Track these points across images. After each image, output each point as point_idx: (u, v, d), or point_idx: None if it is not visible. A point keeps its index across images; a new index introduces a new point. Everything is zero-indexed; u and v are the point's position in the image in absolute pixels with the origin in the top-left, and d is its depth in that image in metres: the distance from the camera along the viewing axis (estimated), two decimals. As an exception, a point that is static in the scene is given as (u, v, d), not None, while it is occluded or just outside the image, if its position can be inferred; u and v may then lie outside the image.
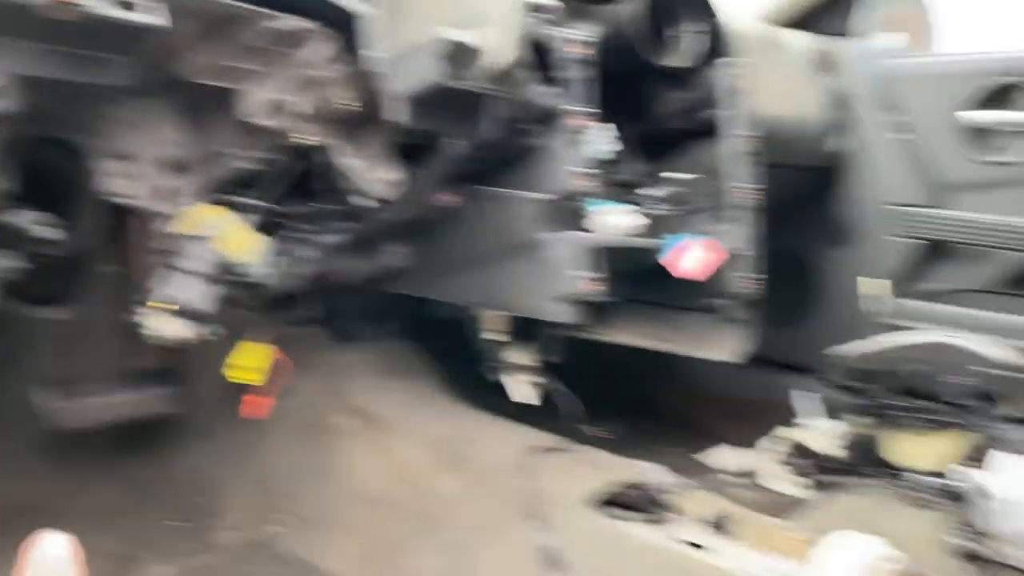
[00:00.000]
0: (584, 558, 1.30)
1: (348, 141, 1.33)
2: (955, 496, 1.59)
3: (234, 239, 1.26)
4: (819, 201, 2.14)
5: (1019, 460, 1.58)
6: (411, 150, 1.32)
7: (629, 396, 2.23)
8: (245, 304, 1.32)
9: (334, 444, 1.64)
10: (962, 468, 1.62)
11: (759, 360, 2.24)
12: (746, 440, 2.12)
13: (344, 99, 1.24)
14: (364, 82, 1.22)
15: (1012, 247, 1.85)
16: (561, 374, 1.65)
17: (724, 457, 2.11)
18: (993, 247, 1.88)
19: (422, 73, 1.08)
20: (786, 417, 2.09)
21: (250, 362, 1.47)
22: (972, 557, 1.43)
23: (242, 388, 1.62)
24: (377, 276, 1.48)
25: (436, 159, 1.26)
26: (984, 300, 1.92)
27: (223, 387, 1.64)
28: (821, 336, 2.04)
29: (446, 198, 1.31)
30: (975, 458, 1.70)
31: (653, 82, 1.62)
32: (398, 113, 1.14)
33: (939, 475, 1.67)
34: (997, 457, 1.60)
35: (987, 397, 1.66)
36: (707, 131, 1.59)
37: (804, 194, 2.15)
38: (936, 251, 2.00)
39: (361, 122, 1.29)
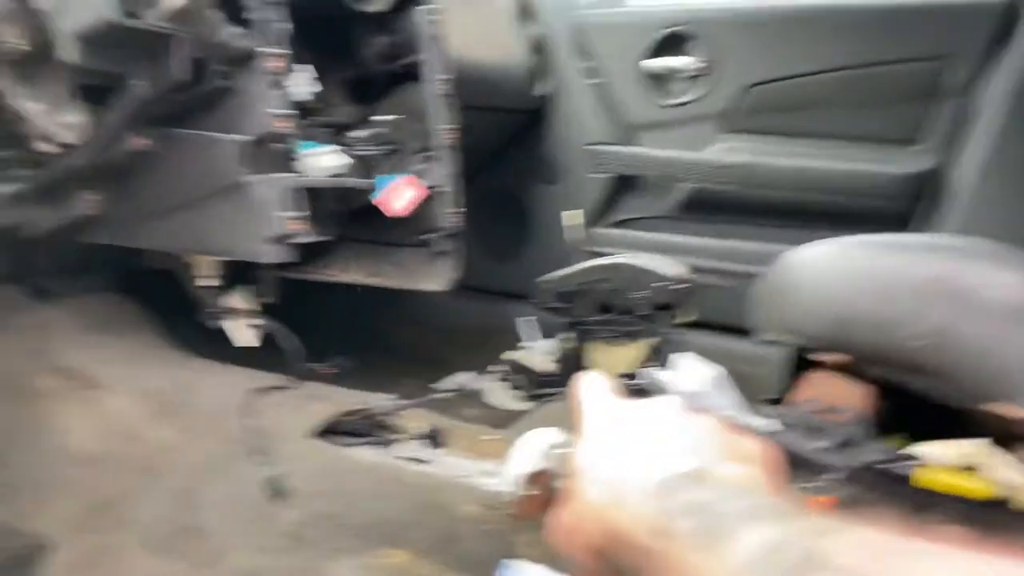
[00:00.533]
0: (308, 484, 1.37)
1: (23, 83, 1.25)
2: (643, 392, 1.85)
3: None
4: (528, 142, 2.32)
5: (691, 359, 1.86)
6: (97, 91, 1.27)
7: (359, 332, 2.30)
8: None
9: (40, 406, 1.55)
10: (647, 369, 1.88)
11: (484, 291, 2.42)
12: (478, 366, 2.28)
13: (11, 37, 1.16)
14: (32, 19, 1.15)
15: (687, 178, 2.13)
16: (285, 315, 1.68)
17: (456, 382, 2.26)
18: (672, 179, 2.15)
19: (93, 10, 1.04)
20: (513, 342, 2.27)
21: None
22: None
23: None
24: (68, 226, 1.41)
25: (122, 101, 1.22)
26: (665, 225, 2.21)
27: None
28: (535, 265, 2.23)
29: (137, 141, 1.27)
30: (658, 360, 1.98)
31: (357, 26, 1.66)
32: (72, 53, 1.09)
33: (630, 376, 1.92)
34: (675, 358, 1.87)
35: (664, 307, 1.93)
36: (410, 74, 1.66)
37: (514, 136, 2.31)
38: (626, 184, 2.25)
39: (34, 62, 1.22)
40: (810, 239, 1.72)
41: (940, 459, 1.24)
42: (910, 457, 1.25)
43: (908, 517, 1.30)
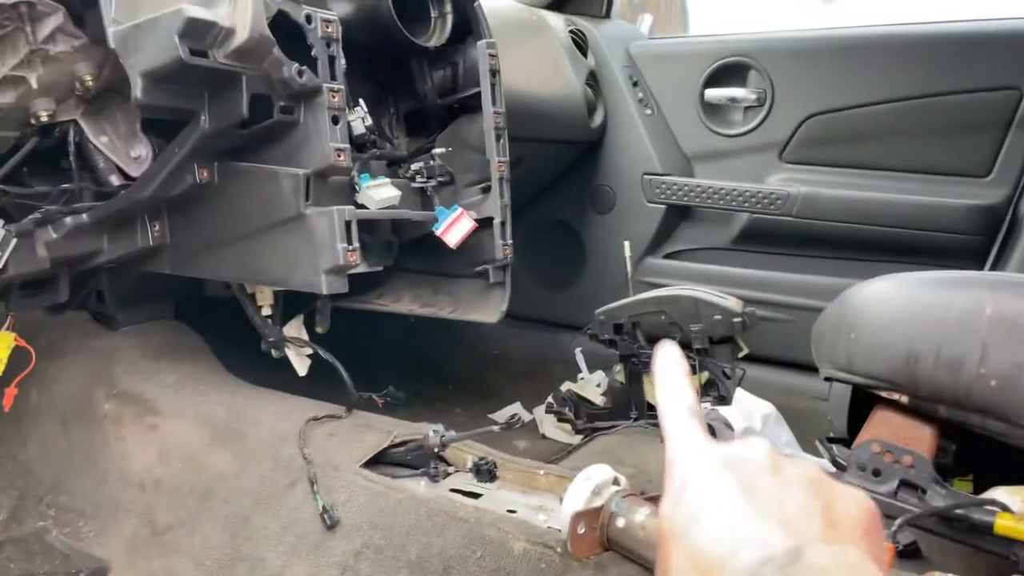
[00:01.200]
0: (360, 515, 1.36)
1: (94, 117, 1.30)
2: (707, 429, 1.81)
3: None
4: (583, 172, 2.32)
5: (751, 396, 1.82)
6: (164, 125, 1.31)
7: (411, 362, 2.31)
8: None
9: (101, 431, 1.58)
10: (711, 406, 1.85)
11: (537, 321, 2.41)
12: (529, 397, 2.27)
13: (83, 74, 1.20)
14: (105, 57, 1.20)
15: (743, 209, 2.10)
16: (338, 344, 1.69)
17: (508, 413, 2.25)
18: (728, 210, 2.13)
19: (162, 49, 1.08)
20: (564, 373, 2.26)
21: (-2, 353, 1.39)
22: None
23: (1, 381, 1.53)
24: (133, 256, 1.45)
25: (187, 135, 1.25)
26: (720, 256, 2.18)
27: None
28: (589, 296, 2.22)
29: (201, 174, 1.31)
30: (716, 394, 1.94)
31: (415, 60, 1.68)
32: (141, 90, 1.12)
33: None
34: (738, 393, 1.83)
35: (722, 341, 1.90)
36: (466, 107, 1.68)
37: (570, 166, 2.32)
38: (682, 215, 2.23)
39: (104, 98, 1.26)
40: (871, 273, 1.68)
41: (1019, 506, 1.19)
42: (991, 503, 1.19)
43: (985, 569, 1.24)
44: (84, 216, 1.30)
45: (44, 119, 1.19)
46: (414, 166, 1.62)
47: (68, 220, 1.29)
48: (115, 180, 1.30)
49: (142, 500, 1.52)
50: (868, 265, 1.96)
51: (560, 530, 1.22)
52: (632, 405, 2.01)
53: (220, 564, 1.40)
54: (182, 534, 1.46)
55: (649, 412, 1.98)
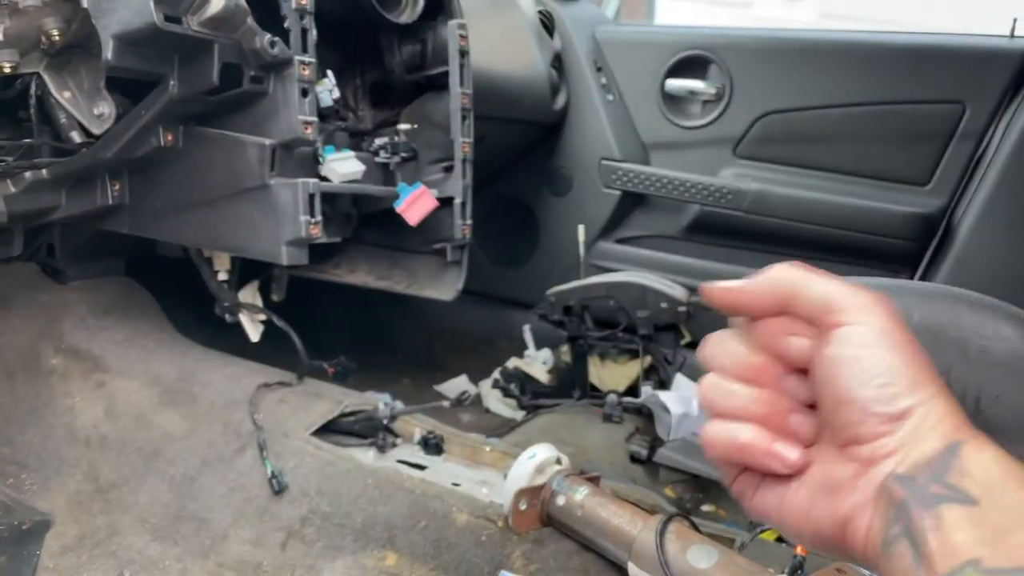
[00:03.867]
0: (308, 482, 1.40)
1: (56, 72, 1.28)
2: (644, 412, 1.89)
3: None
4: (542, 153, 2.34)
5: (690, 383, 1.90)
6: (130, 85, 1.29)
7: (362, 332, 2.33)
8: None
9: (48, 385, 1.58)
10: (651, 389, 1.92)
11: (489, 297, 2.45)
12: (477, 371, 2.32)
13: (50, 29, 1.19)
14: (72, 13, 1.18)
15: (696, 200, 2.16)
16: (291, 312, 1.71)
17: (459, 384, 2.29)
18: (681, 200, 2.18)
19: (134, 13, 1.07)
20: (512, 349, 2.31)
21: (-54, 302, 1.37)
22: (640, 460, 1.72)
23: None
24: (91, 214, 1.44)
25: (154, 98, 1.25)
26: (671, 245, 2.24)
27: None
28: (541, 276, 2.27)
29: (165, 137, 1.30)
30: (657, 379, 2.01)
31: (384, 34, 1.68)
32: (110, 51, 1.11)
33: (629, 394, 1.96)
34: (678, 378, 1.91)
35: (666, 328, 1.97)
36: (432, 84, 1.69)
37: (529, 147, 2.34)
38: (636, 202, 2.28)
39: (69, 53, 1.24)
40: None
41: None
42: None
43: None
44: (44, 172, 1.28)
45: (7, 71, 1.17)
46: (378, 141, 1.63)
47: (27, 175, 1.28)
48: (76, 137, 1.28)
49: (87, 456, 1.52)
50: (810, 263, 2.03)
51: (502, 504, 1.28)
52: (576, 385, 2.07)
53: (165, 523, 1.42)
54: (127, 492, 1.47)
55: (592, 392, 2.04)
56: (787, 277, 0.45)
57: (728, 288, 0.46)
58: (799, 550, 1.20)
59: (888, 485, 0.38)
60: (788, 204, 2.06)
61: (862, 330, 0.41)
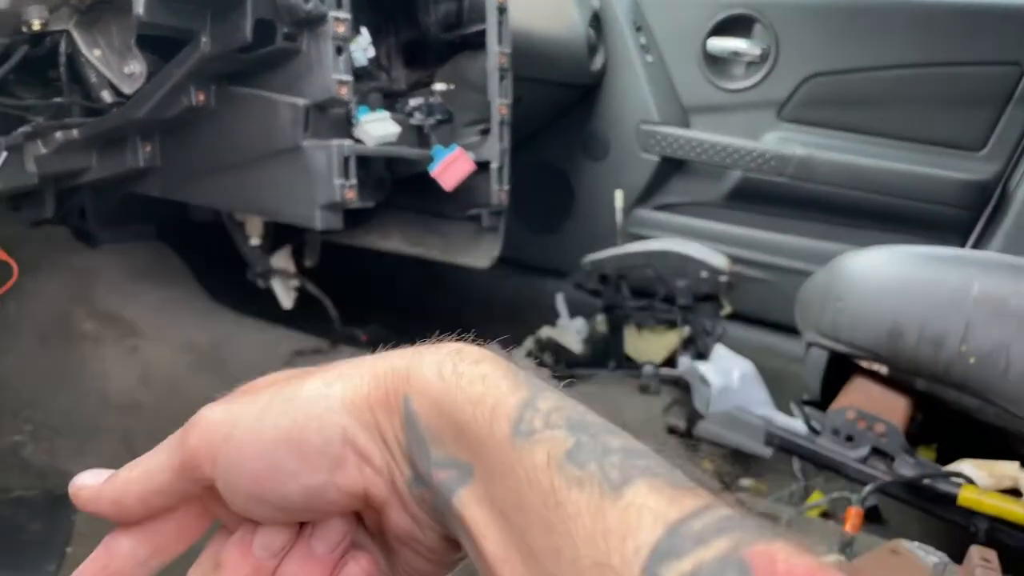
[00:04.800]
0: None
1: (86, 29, 1.24)
2: (682, 384, 1.84)
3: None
4: (578, 117, 2.28)
5: (730, 354, 1.85)
6: (162, 43, 1.26)
7: (394, 299, 2.30)
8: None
9: (80, 350, 1.57)
10: (689, 360, 1.87)
11: (522, 265, 2.41)
12: (510, 340, 2.28)
13: (79, -16, 1.15)
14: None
15: (738, 166, 2.09)
16: (326, 279, 1.68)
17: (487, 355, 2.26)
18: (722, 166, 2.11)
19: (164, -36, 1.03)
20: (546, 318, 2.27)
21: (-23, 265, 1.36)
22: (679, 432, 1.68)
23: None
24: (122, 176, 1.41)
25: (186, 56, 1.21)
26: (711, 212, 2.18)
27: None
28: (576, 243, 2.21)
29: (197, 96, 1.26)
30: (696, 350, 1.96)
31: (420, -9, 1.63)
32: (141, 6, 1.07)
33: (667, 366, 1.92)
34: (717, 349, 1.86)
35: (706, 298, 1.92)
36: (468, 44, 1.63)
37: (565, 110, 2.28)
38: (675, 167, 2.21)
39: (99, 9, 1.21)
40: (861, 240, 1.69)
41: (984, 480, 1.23)
42: (957, 475, 1.23)
43: (942, 537, 1.29)
44: (75, 132, 1.25)
45: (36, 27, 1.14)
46: (412, 102, 1.58)
47: (58, 135, 1.25)
48: (107, 96, 1.25)
49: (121, 422, 1.52)
50: (856, 232, 1.97)
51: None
52: (611, 355, 2.03)
53: (199, 489, 1.41)
54: (161, 457, 1.46)
55: (628, 363, 2.00)
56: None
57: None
58: (848, 528, 1.16)
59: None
60: (835, 170, 1.98)
61: None
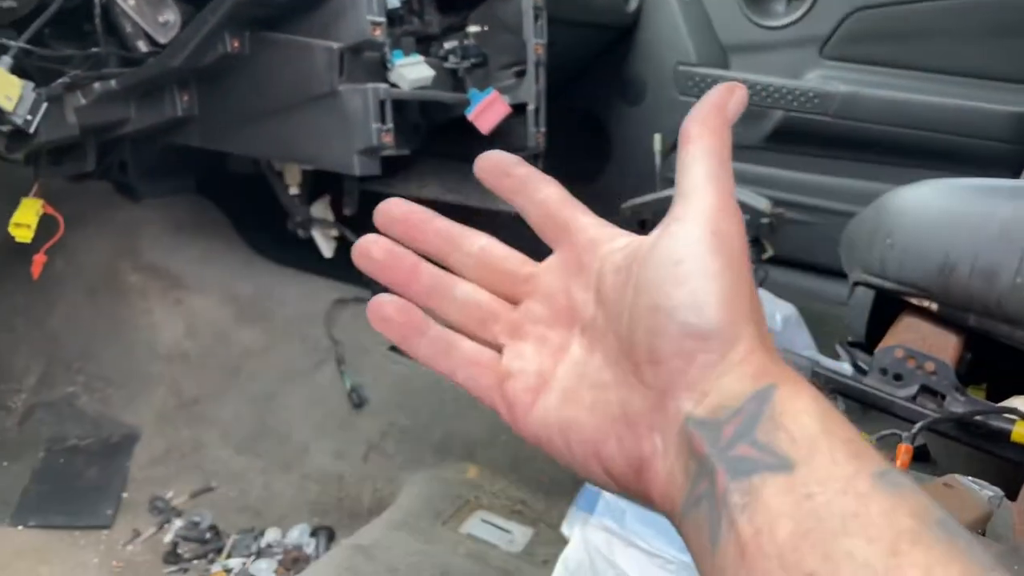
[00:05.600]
0: (387, 397, 1.39)
1: (120, -22, 1.24)
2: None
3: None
4: (614, 60, 2.23)
5: (773, 298, 1.82)
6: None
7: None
8: (4, 155, 1.23)
9: (128, 303, 1.60)
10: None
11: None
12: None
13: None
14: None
15: (780, 106, 2.04)
16: (365, 229, 1.68)
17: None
18: (763, 107, 2.06)
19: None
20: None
21: (26, 219, 1.38)
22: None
23: (29, 248, 1.53)
24: (161, 126, 1.41)
25: (219, 2, 1.20)
26: (752, 155, 2.13)
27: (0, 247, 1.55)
28: (613, 189, 2.19)
29: (232, 43, 1.26)
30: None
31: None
32: (172, -51, 1.06)
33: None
34: (759, 294, 1.83)
35: (751, 242, 1.89)
36: (503, -16, 1.60)
37: (600, 53, 2.23)
38: (715, 109, 2.16)
39: (133, -43, 1.20)
40: (908, 179, 1.64)
41: (1040, 416, 1.20)
42: (1011, 410, 1.21)
43: (989, 474, 1.27)
44: (113, 83, 1.26)
45: (68, -24, 1.14)
46: (447, 45, 1.56)
47: (97, 86, 1.25)
48: (143, 46, 1.25)
49: (169, 372, 1.55)
50: (902, 171, 1.92)
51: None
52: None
53: (248, 437, 1.44)
54: (210, 407, 1.49)
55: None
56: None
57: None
58: (898, 465, 1.15)
59: (688, 430, 0.30)
60: (880, 107, 1.92)
61: (690, 229, 0.33)
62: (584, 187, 2.35)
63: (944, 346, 1.39)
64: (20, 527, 1.32)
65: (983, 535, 0.91)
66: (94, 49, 1.25)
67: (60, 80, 1.20)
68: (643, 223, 1.95)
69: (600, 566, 1.04)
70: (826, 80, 1.99)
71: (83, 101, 1.26)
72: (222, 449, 1.44)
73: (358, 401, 1.35)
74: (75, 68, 1.27)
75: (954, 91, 1.89)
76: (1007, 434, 1.21)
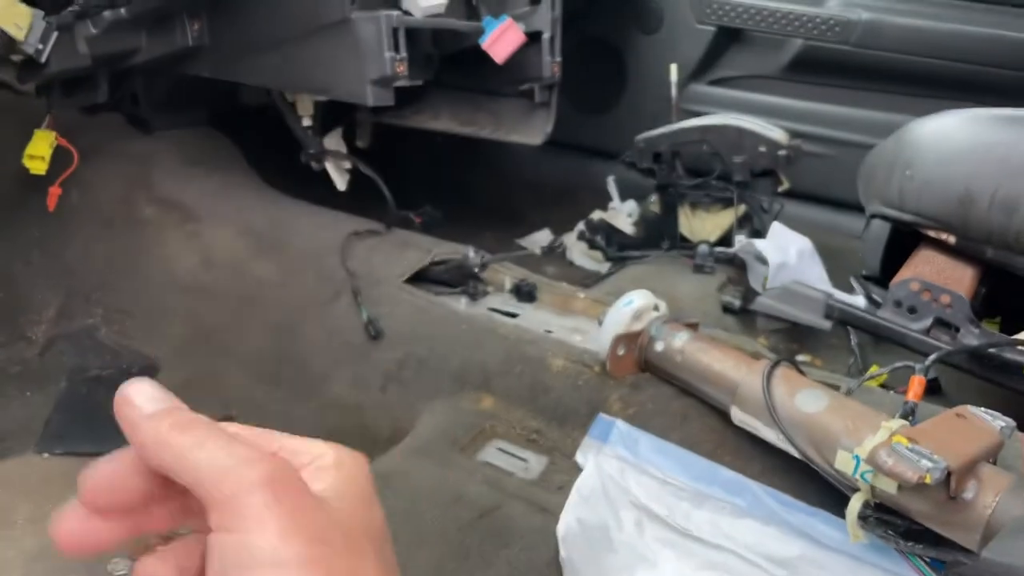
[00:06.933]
0: (403, 328, 1.40)
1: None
2: (737, 262, 1.82)
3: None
4: (629, -13, 2.18)
5: (788, 231, 1.81)
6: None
7: (441, 182, 2.29)
8: (16, 86, 1.22)
9: (143, 235, 1.60)
10: (745, 238, 1.84)
11: (571, 146, 2.36)
12: (559, 223, 2.27)
13: None
14: None
15: (798, 34, 1.99)
16: (377, 162, 1.67)
17: (540, 238, 2.26)
18: (782, 35, 2.02)
19: None
20: (596, 201, 2.24)
21: (40, 151, 1.38)
22: (733, 310, 1.67)
23: (43, 180, 1.53)
24: (172, 56, 1.40)
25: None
26: (770, 86, 2.10)
27: (14, 179, 1.55)
28: (628, 122, 2.16)
29: (242, -30, 1.23)
30: (752, 228, 1.93)
31: None
32: None
33: (723, 244, 1.89)
34: (775, 227, 1.82)
35: (764, 174, 1.87)
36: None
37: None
38: (732, 38, 2.12)
39: None
40: (931, 110, 1.61)
41: (1052, 349, 1.20)
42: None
43: (1001, 406, 1.28)
44: (123, 11, 1.24)
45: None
46: (457, -29, 1.52)
47: (107, 14, 1.23)
48: (151, -28, 1.23)
49: (187, 304, 1.56)
50: (925, 102, 1.87)
51: (596, 351, 1.26)
52: (664, 236, 2.01)
53: (267, 367, 1.46)
54: (228, 338, 1.51)
55: (683, 243, 1.98)
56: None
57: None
58: (911, 396, 1.16)
59: None
60: (903, 35, 1.87)
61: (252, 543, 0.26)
62: (598, 119, 2.33)
63: (960, 279, 1.39)
64: (46, 455, 1.35)
65: (994, 464, 0.93)
66: (104, -25, 1.23)
67: (70, 8, 1.18)
68: (657, 155, 1.94)
69: (613, 492, 1.06)
70: (847, 6, 1.94)
71: (93, 30, 1.24)
72: (241, 379, 1.47)
73: (375, 333, 1.37)
74: (83, -4, 1.25)
75: (979, 18, 1.84)
76: (1020, 366, 1.21)
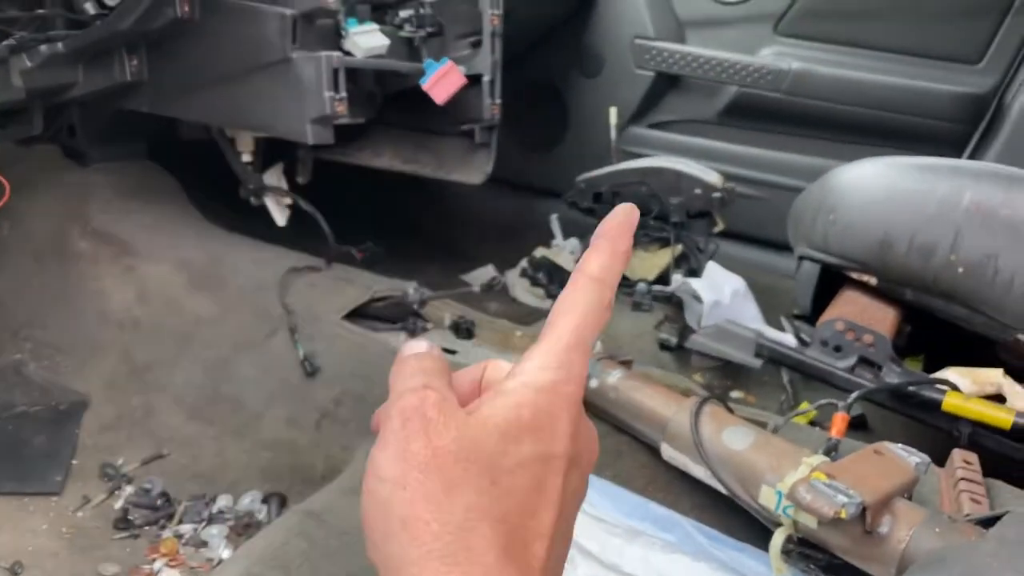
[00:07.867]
0: (340, 365, 1.40)
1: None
2: (674, 300, 1.86)
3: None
4: (572, 32, 2.24)
5: (722, 271, 1.86)
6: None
7: (385, 218, 2.30)
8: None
9: (77, 269, 1.57)
10: (682, 277, 1.89)
11: (515, 185, 2.40)
12: (502, 260, 2.29)
13: None
14: None
15: (733, 82, 2.06)
16: (318, 198, 1.67)
17: (484, 274, 2.27)
18: (718, 81, 2.09)
19: None
20: (538, 239, 2.27)
21: (-31, 183, 1.35)
22: (670, 347, 1.71)
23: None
24: (110, 91, 1.39)
25: (168, -36, 1.18)
26: (706, 129, 2.16)
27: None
28: (570, 162, 2.20)
29: (182, 7, 1.24)
30: (688, 267, 1.98)
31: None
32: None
33: (661, 283, 1.93)
34: (709, 266, 1.87)
35: (700, 215, 1.92)
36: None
37: (558, 24, 2.23)
38: (670, 84, 2.19)
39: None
40: (857, 155, 1.68)
41: (968, 387, 1.26)
42: (942, 382, 1.26)
43: (924, 442, 1.32)
44: (60, 45, 1.23)
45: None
46: (402, 13, 1.55)
47: (43, 49, 1.22)
48: (90, 8, 1.22)
49: (120, 339, 1.53)
50: (851, 147, 1.96)
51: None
52: (605, 272, 2.04)
53: (200, 403, 1.44)
54: (162, 374, 1.49)
55: (622, 283, 2.01)
56: None
57: None
58: (834, 432, 1.19)
59: None
60: (831, 84, 1.96)
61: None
62: (542, 159, 2.37)
63: (882, 319, 1.45)
64: (-32, 494, 1.31)
65: (910, 499, 0.96)
66: (40, 11, 1.22)
67: (5, 42, 1.17)
68: (598, 195, 1.98)
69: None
70: (780, 56, 2.03)
71: (29, 64, 1.23)
72: (174, 416, 1.44)
73: (311, 369, 1.36)
74: (21, 30, 1.24)
75: (902, 70, 1.94)
76: (938, 404, 1.26)
